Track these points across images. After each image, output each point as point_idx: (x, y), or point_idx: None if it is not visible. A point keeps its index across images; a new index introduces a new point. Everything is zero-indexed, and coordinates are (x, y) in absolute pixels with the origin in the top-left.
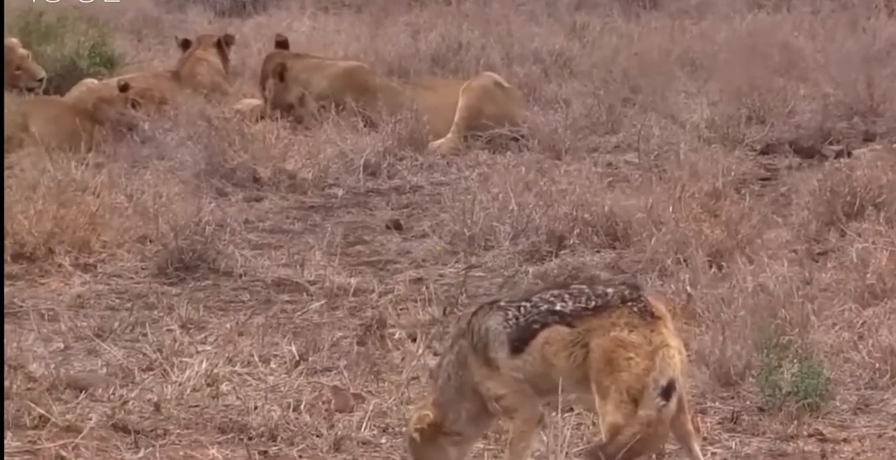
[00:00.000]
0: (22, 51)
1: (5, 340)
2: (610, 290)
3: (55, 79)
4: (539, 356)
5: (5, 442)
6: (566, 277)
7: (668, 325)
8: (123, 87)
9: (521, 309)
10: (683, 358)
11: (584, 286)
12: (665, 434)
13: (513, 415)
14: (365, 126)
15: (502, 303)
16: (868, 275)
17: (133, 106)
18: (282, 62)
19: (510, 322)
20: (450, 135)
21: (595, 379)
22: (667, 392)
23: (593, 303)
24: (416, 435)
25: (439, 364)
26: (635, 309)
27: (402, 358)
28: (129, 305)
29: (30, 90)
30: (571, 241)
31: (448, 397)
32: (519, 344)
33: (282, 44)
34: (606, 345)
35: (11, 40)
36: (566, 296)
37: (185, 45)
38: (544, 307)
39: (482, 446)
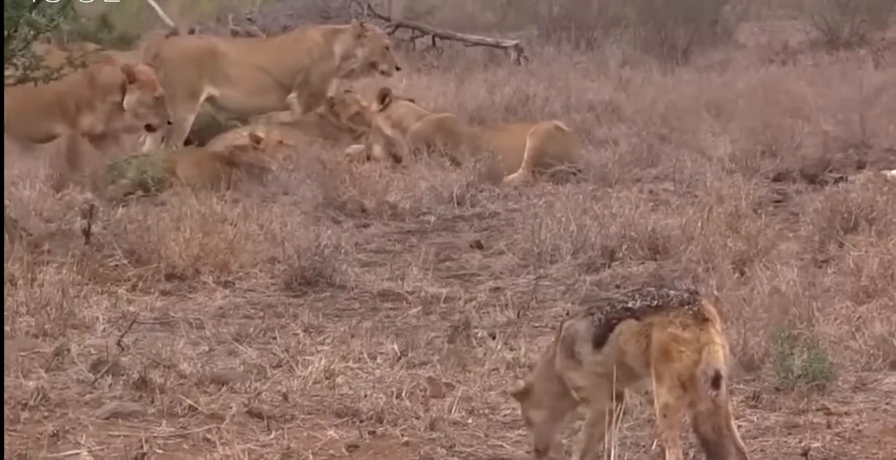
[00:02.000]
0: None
1: (161, 345)
2: (672, 293)
3: (199, 131)
4: (616, 345)
5: (161, 428)
6: (643, 283)
7: (716, 326)
8: (257, 140)
9: (604, 310)
10: (727, 352)
11: (652, 288)
12: (725, 414)
13: (588, 405)
14: (451, 164)
15: (592, 310)
16: (862, 279)
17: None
18: (387, 89)
19: (595, 322)
20: (520, 170)
21: (654, 365)
22: (715, 381)
23: (656, 302)
24: (512, 396)
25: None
26: (690, 311)
27: (485, 353)
28: (261, 314)
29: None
30: (621, 255)
31: (537, 377)
32: (601, 338)
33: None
34: (664, 339)
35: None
36: (637, 295)
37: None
38: (619, 306)
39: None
